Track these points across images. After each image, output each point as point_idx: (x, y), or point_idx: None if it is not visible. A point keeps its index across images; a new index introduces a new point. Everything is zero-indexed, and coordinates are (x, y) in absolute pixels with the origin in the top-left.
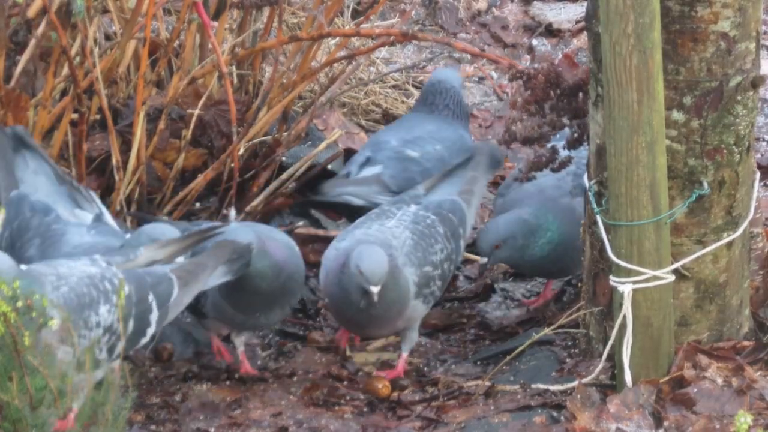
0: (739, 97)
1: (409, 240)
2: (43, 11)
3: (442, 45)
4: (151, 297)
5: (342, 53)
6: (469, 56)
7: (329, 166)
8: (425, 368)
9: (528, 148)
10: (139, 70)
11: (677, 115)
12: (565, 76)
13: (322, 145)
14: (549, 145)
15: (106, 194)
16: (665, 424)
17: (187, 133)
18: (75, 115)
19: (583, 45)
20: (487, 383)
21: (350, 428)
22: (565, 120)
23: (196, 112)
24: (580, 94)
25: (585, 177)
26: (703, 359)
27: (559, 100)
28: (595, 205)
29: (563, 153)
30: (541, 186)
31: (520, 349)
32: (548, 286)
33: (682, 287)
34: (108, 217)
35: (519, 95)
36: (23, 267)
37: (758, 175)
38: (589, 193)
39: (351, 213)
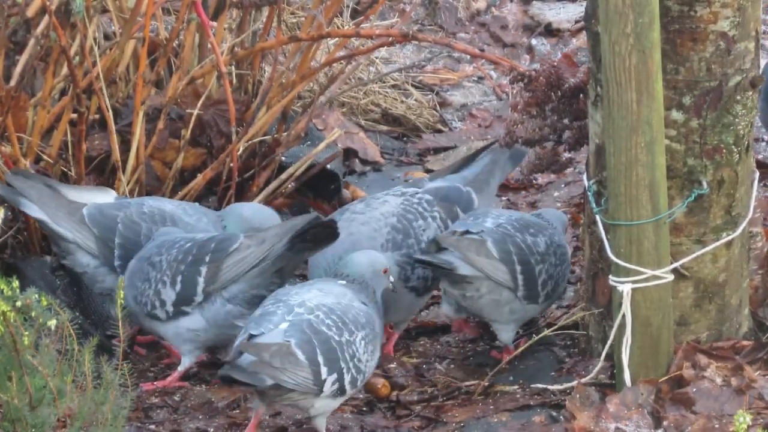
0: (738, 97)
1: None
2: (43, 11)
3: (442, 45)
4: None
5: (341, 53)
6: (468, 56)
7: (329, 166)
8: (425, 368)
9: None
10: (138, 69)
11: (676, 115)
12: (566, 78)
13: (322, 144)
14: None
15: None
16: (664, 423)
17: (187, 133)
18: (74, 115)
19: (583, 45)
20: (486, 383)
21: (350, 428)
22: (566, 122)
23: (196, 111)
24: (581, 96)
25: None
26: (703, 359)
27: (560, 102)
28: (594, 205)
29: None
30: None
31: (519, 350)
32: None
33: (682, 287)
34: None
35: (520, 97)
36: None
37: (757, 174)
38: (588, 193)
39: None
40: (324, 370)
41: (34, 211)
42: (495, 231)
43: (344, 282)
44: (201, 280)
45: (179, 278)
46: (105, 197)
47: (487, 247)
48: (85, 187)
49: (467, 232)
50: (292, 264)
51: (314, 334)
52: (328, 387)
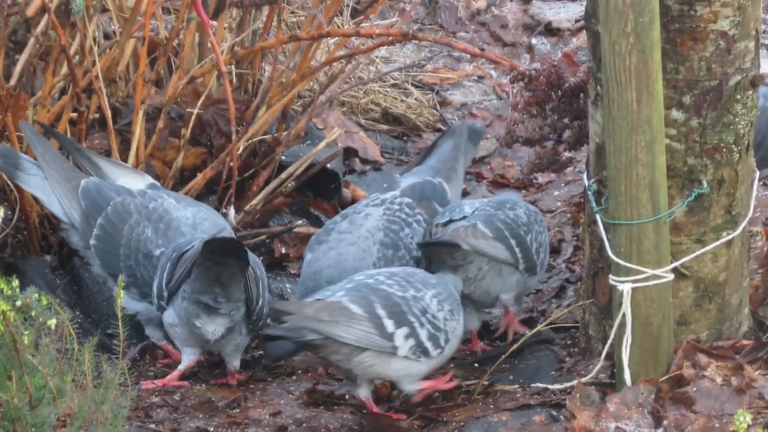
0: (738, 96)
1: None
2: (43, 10)
3: (442, 45)
4: None
5: (341, 52)
6: (468, 55)
7: (329, 165)
8: None
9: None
10: (138, 68)
11: (677, 114)
12: (566, 77)
13: (322, 144)
14: None
15: None
16: (664, 423)
17: (187, 132)
18: (74, 114)
19: (583, 44)
20: (486, 382)
21: (349, 427)
22: (566, 121)
23: (196, 111)
24: (581, 95)
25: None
26: (703, 358)
27: (560, 101)
28: (594, 204)
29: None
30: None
31: (516, 346)
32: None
33: (682, 286)
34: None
35: (520, 97)
36: None
37: (758, 173)
38: (589, 192)
39: None
40: (389, 323)
41: (32, 178)
42: (477, 214)
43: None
44: (165, 276)
45: (159, 272)
46: (137, 181)
47: (480, 229)
48: (124, 165)
49: (450, 221)
50: (227, 276)
51: (372, 292)
52: (401, 341)
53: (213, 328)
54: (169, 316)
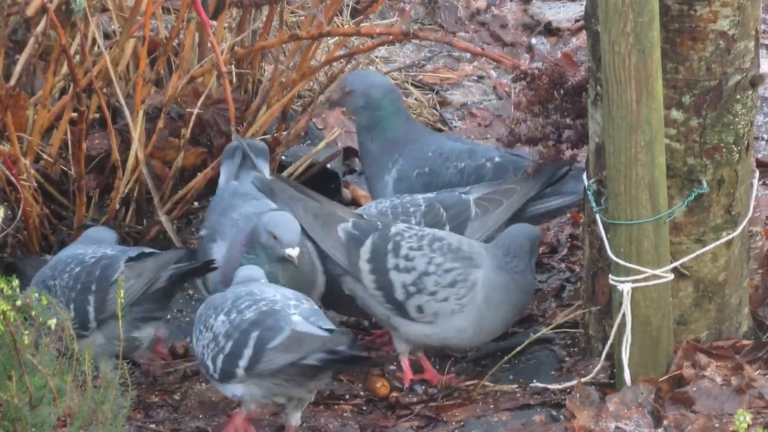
0: (738, 96)
1: None
2: (43, 10)
3: (443, 44)
4: None
5: (341, 52)
6: (468, 54)
7: (329, 165)
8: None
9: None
10: (138, 68)
11: (676, 114)
12: (568, 76)
13: (322, 144)
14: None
15: (105, 193)
16: (664, 423)
17: (186, 132)
18: (74, 114)
19: (583, 44)
20: (486, 382)
21: (349, 427)
22: (568, 120)
23: (195, 110)
24: (584, 94)
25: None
26: (702, 358)
27: (563, 100)
28: (594, 204)
29: None
30: None
31: (518, 349)
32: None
33: (681, 286)
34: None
35: (523, 96)
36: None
37: (757, 173)
38: (588, 192)
39: None
40: None
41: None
42: None
43: None
44: (91, 309)
45: (72, 306)
46: None
47: None
48: None
49: None
50: (177, 288)
51: None
52: None
53: (149, 331)
54: (96, 339)
